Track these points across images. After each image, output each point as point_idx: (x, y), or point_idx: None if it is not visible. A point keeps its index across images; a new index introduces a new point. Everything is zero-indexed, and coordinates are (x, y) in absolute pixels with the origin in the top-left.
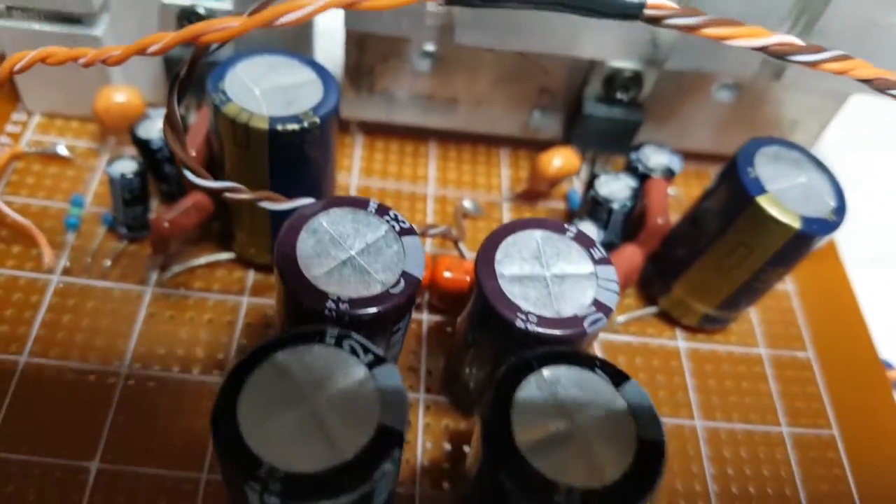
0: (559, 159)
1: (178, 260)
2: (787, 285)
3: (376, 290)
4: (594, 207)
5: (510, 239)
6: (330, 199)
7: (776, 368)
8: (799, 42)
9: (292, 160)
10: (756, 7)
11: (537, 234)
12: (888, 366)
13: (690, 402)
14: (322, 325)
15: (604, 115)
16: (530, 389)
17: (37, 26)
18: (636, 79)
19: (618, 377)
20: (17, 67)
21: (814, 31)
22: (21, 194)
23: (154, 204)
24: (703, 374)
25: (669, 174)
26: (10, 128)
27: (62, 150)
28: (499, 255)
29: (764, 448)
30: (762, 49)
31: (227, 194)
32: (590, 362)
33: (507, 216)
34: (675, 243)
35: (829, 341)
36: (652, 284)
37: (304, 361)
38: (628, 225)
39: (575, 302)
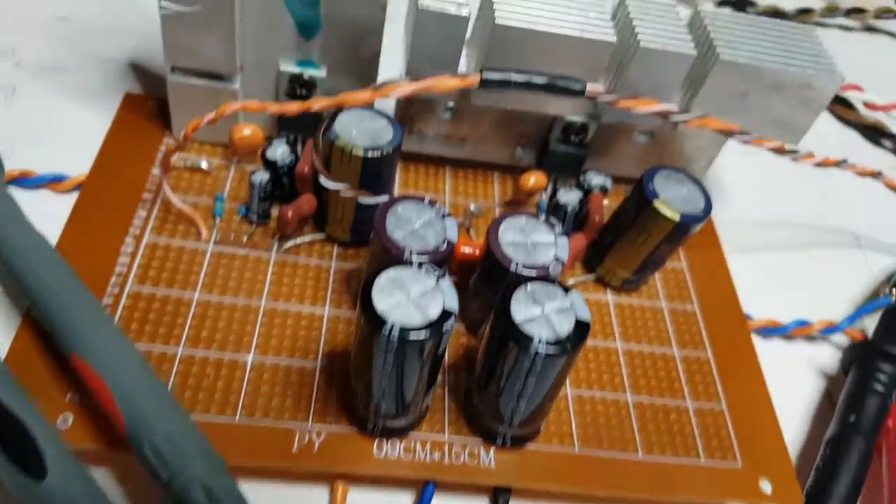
0: (534, 178)
1: (291, 238)
2: (682, 264)
3: (431, 247)
4: (556, 210)
5: (505, 222)
6: (401, 196)
7: (671, 315)
8: (674, 108)
9: (375, 173)
10: (661, 82)
11: (522, 220)
12: (748, 317)
13: (615, 333)
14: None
15: (562, 151)
16: (520, 293)
17: (194, 81)
18: (584, 128)
19: (566, 289)
20: (229, 111)
21: (696, 100)
22: (178, 193)
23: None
24: (624, 317)
25: (604, 190)
26: (162, 149)
27: (204, 164)
28: (500, 230)
29: (661, 362)
30: (653, 113)
31: (342, 192)
32: (552, 281)
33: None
34: (606, 232)
35: (708, 299)
36: (590, 260)
37: (402, 276)
38: (577, 221)
39: (544, 256)
